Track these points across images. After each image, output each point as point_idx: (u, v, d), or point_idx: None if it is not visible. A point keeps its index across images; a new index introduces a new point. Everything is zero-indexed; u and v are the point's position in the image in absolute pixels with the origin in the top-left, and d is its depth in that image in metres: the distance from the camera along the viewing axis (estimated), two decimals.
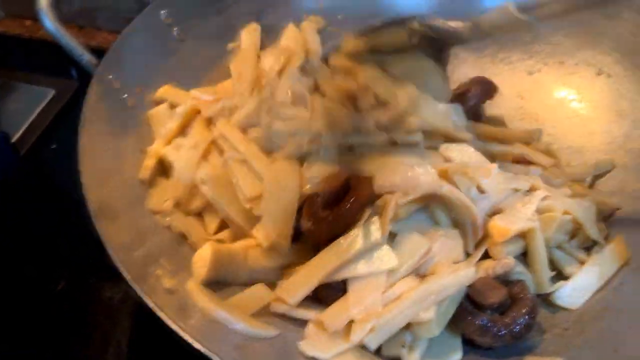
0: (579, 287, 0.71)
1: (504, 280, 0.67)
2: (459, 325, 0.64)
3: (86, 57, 0.77)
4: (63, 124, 1.08)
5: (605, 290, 0.71)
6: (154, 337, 0.75)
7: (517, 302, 0.64)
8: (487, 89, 0.89)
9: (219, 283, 0.67)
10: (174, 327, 0.56)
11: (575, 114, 0.91)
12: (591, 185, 0.83)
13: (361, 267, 0.65)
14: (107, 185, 0.70)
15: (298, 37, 0.94)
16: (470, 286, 0.65)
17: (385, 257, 0.65)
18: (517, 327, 0.62)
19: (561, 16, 0.68)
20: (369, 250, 0.65)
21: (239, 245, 0.69)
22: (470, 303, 0.64)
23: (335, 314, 0.64)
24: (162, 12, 0.87)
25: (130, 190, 0.73)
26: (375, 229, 0.65)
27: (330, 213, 0.67)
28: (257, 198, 0.70)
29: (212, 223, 0.72)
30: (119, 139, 0.76)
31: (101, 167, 0.71)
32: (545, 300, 0.70)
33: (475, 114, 0.87)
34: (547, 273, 0.69)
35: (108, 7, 1.27)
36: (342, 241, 0.66)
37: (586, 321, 0.67)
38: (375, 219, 0.66)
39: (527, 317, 0.63)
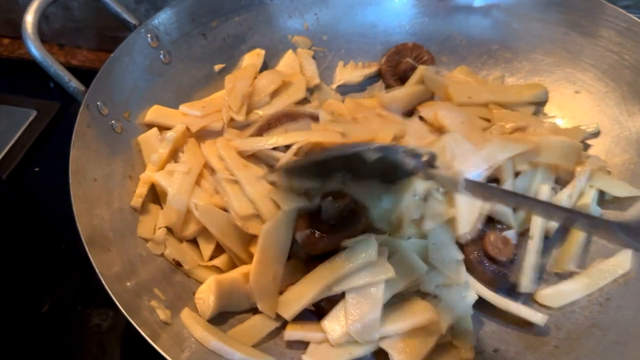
0: (563, 291, 0.75)
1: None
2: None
3: (73, 84, 0.76)
4: (45, 146, 1.07)
5: (591, 305, 0.73)
6: None
7: None
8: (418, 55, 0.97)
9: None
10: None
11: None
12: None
13: (359, 279, 0.67)
14: (98, 214, 0.70)
15: (295, 63, 0.96)
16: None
17: (382, 268, 0.67)
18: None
19: None
20: (364, 266, 0.67)
21: (239, 273, 0.69)
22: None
23: (333, 325, 0.66)
24: (149, 36, 0.87)
25: (122, 217, 0.73)
26: (371, 246, 0.67)
27: (331, 230, 0.69)
28: (250, 217, 0.70)
29: (207, 249, 0.72)
30: (108, 166, 0.76)
31: (92, 196, 0.71)
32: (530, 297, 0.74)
33: (403, 78, 0.95)
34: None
35: (89, 25, 1.26)
36: (337, 258, 0.68)
37: (575, 339, 0.69)
38: (371, 236, 0.68)
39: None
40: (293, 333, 0.68)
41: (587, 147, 0.88)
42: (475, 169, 0.77)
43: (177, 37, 0.91)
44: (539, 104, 0.94)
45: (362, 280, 0.67)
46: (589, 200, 0.80)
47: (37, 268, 0.88)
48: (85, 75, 0.79)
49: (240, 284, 0.68)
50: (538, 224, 0.77)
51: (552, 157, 0.82)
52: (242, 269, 0.70)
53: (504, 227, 0.78)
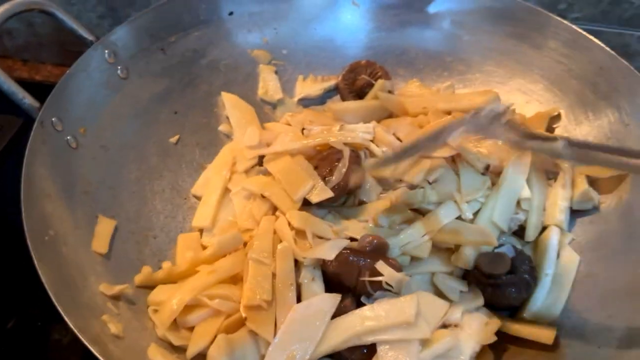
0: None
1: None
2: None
3: (27, 101, 0.77)
4: (7, 162, 1.06)
5: None
6: None
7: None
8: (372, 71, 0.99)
9: None
10: None
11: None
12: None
13: (393, 334, 0.67)
14: (52, 230, 0.70)
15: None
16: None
17: (418, 329, 0.68)
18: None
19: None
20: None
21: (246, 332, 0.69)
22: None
23: None
24: (106, 51, 0.87)
25: (76, 233, 0.73)
26: (411, 307, 0.68)
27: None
28: (254, 308, 0.69)
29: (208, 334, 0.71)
30: (63, 182, 0.76)
31: (46, 212, 0.71)
32: None
33: (360, 94, 0.98)
34: None
35: (52, 41, 1.26)
36: (370, 311, 0.69)
37: None
38: (414, 297, 0.69)
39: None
40: None
41: (552, 130, 0.91)
42: None
43: (135, 52, 0.91)
44: None
45: (396, 336, 0.67)
46: (586, 186, 0.82)
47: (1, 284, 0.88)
48: (49, 90, 0.79)
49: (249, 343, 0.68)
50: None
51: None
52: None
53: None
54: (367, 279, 0.70)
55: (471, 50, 1.00)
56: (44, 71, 1.31)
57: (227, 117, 0.97)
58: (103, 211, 0.79)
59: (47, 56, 1.31)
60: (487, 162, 0.81)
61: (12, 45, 1.30)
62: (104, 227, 0.77)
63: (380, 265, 0.70)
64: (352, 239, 0.75)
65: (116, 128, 0.87)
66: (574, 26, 0.91)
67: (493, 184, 0.81)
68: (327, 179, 0.79)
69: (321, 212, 0.80)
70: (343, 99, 1.01)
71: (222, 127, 0.97)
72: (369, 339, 0.67)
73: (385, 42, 1.04)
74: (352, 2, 1.03)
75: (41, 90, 0.79)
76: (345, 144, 0.82)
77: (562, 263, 0.79)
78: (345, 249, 0.72)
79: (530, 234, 0.81)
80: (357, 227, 0.77)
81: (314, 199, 0.77)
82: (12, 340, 0.83)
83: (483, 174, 0.82)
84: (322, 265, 0.72)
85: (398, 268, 0.71)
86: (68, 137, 0.79)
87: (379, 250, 0.73)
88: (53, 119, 0.77)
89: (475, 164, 0.81)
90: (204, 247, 0.81)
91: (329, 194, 0.76)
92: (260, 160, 0.87)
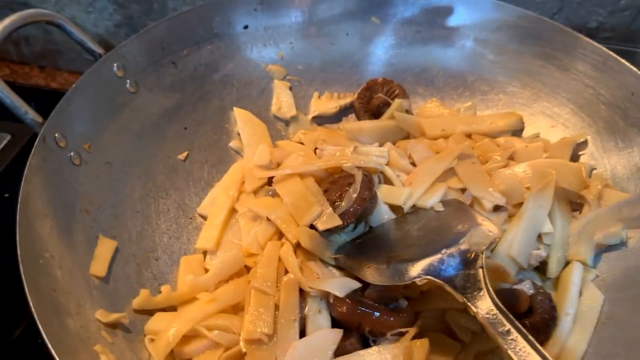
0: None
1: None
2: None
3: (30, 116, 0.74)
4: (18, 171, 1.05)
5: None
6: None
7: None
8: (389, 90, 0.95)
9: None
10: None
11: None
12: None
13: None
14: (47, 251, 0.68)
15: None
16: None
17: None
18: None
19: None
20: None
21: None
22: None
23: None
24: (115, 64, 0.85)
25: (73, 254, 0.71)
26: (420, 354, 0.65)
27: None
28: (255, 342, 0.66)
29: None
30: (62, 200, 0.74)
31: (42, 231, 0.69)
32: None
33: (377, 113, 0.95)
34: None
35: (70, 48, 1.25)
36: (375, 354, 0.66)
37: None
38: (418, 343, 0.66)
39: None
40: None
41: (577, 157, 0.87)
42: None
43: (145, 65, 0.89)
44: (515, 133, 0.92)
45: None
46: None
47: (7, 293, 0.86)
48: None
49: None
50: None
51: (564, 183, 0.79)
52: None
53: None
54: (368, 334, 0.67)
55: (495, 70, 0.96)
56: (60, 78, 1.31)
57: (239, 134, 0.94)
58: (104, 231, 0.77)
59: (64, 63, 1.30)
60: (497, 203, 0.77)
61: (30, 52, 1.29)
62: (104, 249, 0.75)
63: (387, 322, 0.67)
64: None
65: (122, 144, 0.85)
66: (603, 47, 0.87)
67: (511, 215, 0.77)
68: (336, 204, 0.75)
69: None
70: (358, 117, 0.97)
71: (233, 144, 0.94)
72: None
73: (405, 59, 1.00)
74: (372, 19, 1.00)
75: (57, 98, 0.78)
76: (358, 167, 0.79)
77: (584, 302, 0.74)
78: (352, 294, 0.68)
79: (552, 269, 0.76)
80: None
81: (321, 226, 0.73)
82: (17, 350, 0.81)
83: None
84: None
85: (409, 321, 0.68)
86: (71, 154, 0.77)
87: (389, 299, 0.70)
88: (56, 135, 0.75)
89: (483, 203, 0.77)
90: (207, 271, 0.78)
91: (337, 221, 0.72)
92: (270, 180, 0.84)
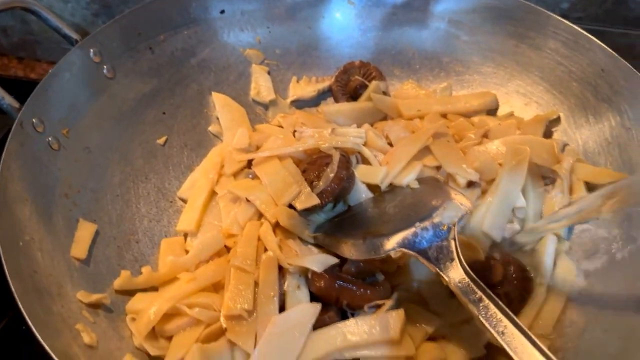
0: None
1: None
2: None
3: (7, 101, 0.75)
4: None
5: None
6: None
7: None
8: (366, 72, 0.96)
9: None
10: None
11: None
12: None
13: (377, 350, 0.66)
14: (28, 234, 0.68)
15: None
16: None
17: (404, 345, 0.66)
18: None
19: None
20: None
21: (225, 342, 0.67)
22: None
23: None
24: (92, 50, 0.85)
25: (53, 238, 0.71)
26: (396, 323, 0.66)
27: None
28: (235, 318, 0.67)
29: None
30: (42, 184, 0.74)
31: (22, 215, 0.69)
32: None
33: (354, 96, 0.96)
34: None
35: (48, 38, 1.25)
36: (354, 326, 0.67)
37: None
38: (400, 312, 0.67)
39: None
40: None
41: (550, 133, 0.89)
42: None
43: (122, 51, 0.89)
44: (489, 112, 0.94)
45: (380, 352, 0.65)
46: (584, 192, 0.80)
47: None
48: None
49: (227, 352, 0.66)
50: None
51: (537, 159, 0.81)
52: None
53: None
54: (346, 307, 0.68)
55: (469, 51, 0.97)
56: (39, 69, 1.30)
57: (217, 118, 0.95)
58: (84, 215, 0.77)
59: (42, 54, 1.29)
60: (470, 179, 0.79)
61: (8, 43, 1.29)
62: (85, 232, 0.75)
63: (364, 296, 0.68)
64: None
65: (101, 129, 0.85)
66: (574, 26, 0.88)
67: (484, 192, 0.78)
68: (314, 183, 0.76)
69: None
70: (336, 100, 0.98)
71: (212, 128, 0.95)
72: (351, 355, 0.65)
73: (381, 42, 1.01)
74: (348, 1, 1.00)
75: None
76: (336, 148, 0.80)
77: (558, 272, 0.76)
78: (330, 269, 0.70)
79: (526, 242, 0.78)
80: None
81: (299, 205, 0.74)
82: (3, 340, 0.82)
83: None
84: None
85: (385, 294, 0.69)
86: (49, 139, 0.77)
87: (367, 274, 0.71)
88: (34, 120, 0.75)
89: (457, 179, 0.79)
90: (188, 252, 0.79)
91: (315, 200, 0.74)
92: (250, 162, 0.85)
